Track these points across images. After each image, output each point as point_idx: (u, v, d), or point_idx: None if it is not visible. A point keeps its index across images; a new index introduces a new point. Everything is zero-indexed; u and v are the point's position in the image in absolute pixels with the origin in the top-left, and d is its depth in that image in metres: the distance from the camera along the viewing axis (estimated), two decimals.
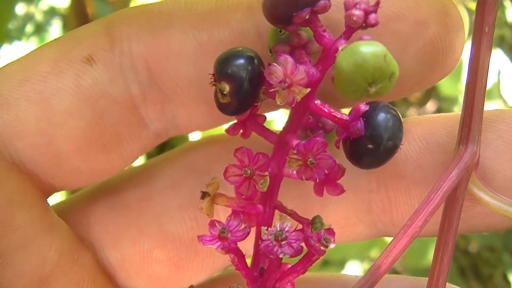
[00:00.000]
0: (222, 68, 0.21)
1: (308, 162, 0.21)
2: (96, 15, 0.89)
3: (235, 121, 0.26)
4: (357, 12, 0.20)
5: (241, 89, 0.21)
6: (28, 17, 1.35)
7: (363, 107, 0.21)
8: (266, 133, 0.23)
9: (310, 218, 0.22)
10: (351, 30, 0.21)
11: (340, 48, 0.20)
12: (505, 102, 1.03)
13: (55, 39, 0.25)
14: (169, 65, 0.24)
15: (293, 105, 0.22)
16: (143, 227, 0.27)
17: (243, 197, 0.22)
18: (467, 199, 0.25)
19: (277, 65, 0.21)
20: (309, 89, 0.21)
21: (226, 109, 0.22)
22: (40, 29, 1.35)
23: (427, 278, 0.25)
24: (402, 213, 0.26)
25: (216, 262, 0.28)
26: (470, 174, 0.23)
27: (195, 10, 0.24)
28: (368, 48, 0.19)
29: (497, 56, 1.05)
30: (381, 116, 0.21)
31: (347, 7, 0.20)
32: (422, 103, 1.32)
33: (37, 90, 0.24)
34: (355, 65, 0.19)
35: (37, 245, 0.24)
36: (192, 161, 0.28)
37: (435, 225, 0.25)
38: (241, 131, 0.24)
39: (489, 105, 1.02)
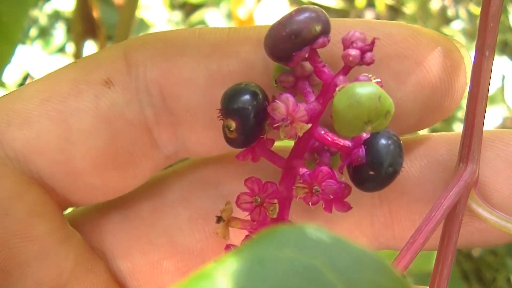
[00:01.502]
0: (228, 105, 0.22)
1: (313, 190, 0.22)
2: (102, 19, 0.90)
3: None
4: (353, 52, 0.21)
5: (246, 125, 0.22)
6: (32, 21, 1.35)
7: (365, 134, 0.22)
8: (274, 158, 0.24)
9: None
10: (346, 70, 0.22)
11: (337, 89, 0.21)
12: (509, 108, 1.03)
13: (75, 62, 0.26)
14: (180, 91, 0.25)
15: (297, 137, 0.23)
16: (153, 238, 0.28)
17: (255, 223, 0.24)
18: (466, 215, 0.25)
19: (279, 102, 0.21)
20: (310, 125, 0.22)
21: (233, 143, 0.23)
22: (44, 32, 1.36)
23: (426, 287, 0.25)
24: (403, 228, 0.27)
25: None
26: (469, 192, 0.24)
27: (207, 40, 0.25)
28: (362, 90, 0.20)
29: (501, 61, 1.05)
30: (382, 143, 0.22)
31: (344, 45, 0.21)
32: None
33: (57, 110, 0.25)
34: (351, 107, 0.20)
35: (55, 255, 0.25)
36: (202, 174, 0.29)
37: (435, 240, 0.25)
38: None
39: (492, 110, 1.02)
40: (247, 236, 0.24)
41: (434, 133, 0.27)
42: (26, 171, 0.25)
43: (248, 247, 0.13)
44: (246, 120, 0.22)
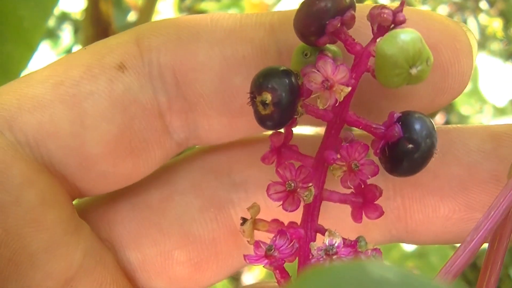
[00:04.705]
0: (264, 81, 0.22)
1: (352, 166, 0.22)
2: (114, 21, 0.89)
3: (256, 136, 0.27)
4: (386, 11, 0.21)
5: (282, 98, 0.22)
6: None
7: (396, 114, 0.22)
8: (302, 157, 0.24)
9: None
10: (381, 32, 0.22)
11: (378, 40, 0.21)
12: None
13: (86, 48, 0.26)
14: (194, 76, 0.25)
15: (330, 119, 0.22)
16: (164, 227, 0.27)
17: (288, 210, 0.23)
18: None
19: (316, 71, 0.21)
20: (350, 88, 0.21)
21: (267, 120, 0.22)
22: (51, 34, 1.36)
23: None
24: (416, 221, 0.27)
25: (235, 262, 0.28)
26: None
27: (220, 26, 0.25)
28: (406, 33, 0.21)
29: (509, 72, 1.06)
30: (416, 118, 0.22)
31: (372, 15, 0.22)
32: (431, 116, 1.33)
33: (71, 94, 0.24)
34: (398, 48, 0.20)
35: (65, 246, 0.24)
36: (212, 161, 0.28)
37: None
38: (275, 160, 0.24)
39: (503, 121, 1.03)
40: (279, 231, 0.23)
41: (448, 126, 0.27)
42: (38, 157, 0.24)
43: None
44: (282, 93, 0.21)
